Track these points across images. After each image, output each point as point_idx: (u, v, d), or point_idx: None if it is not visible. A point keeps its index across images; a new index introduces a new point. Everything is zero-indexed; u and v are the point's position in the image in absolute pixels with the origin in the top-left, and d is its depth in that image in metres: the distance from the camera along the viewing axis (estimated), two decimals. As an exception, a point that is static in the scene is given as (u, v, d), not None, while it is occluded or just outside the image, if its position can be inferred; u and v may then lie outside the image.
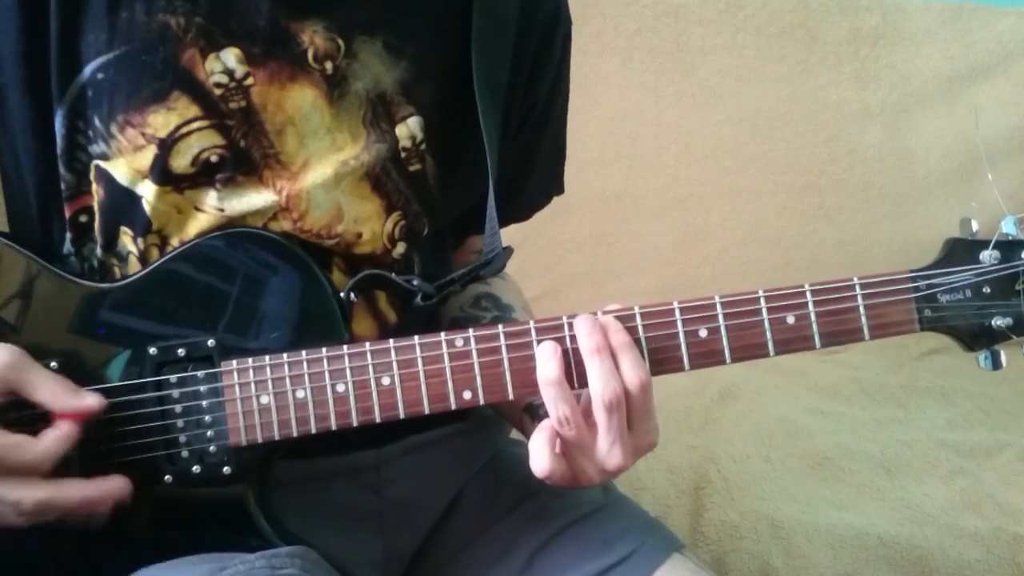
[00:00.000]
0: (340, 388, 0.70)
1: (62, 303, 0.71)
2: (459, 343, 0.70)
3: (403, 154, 0.79)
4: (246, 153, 0.74)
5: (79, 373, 0.69)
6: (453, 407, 0.71)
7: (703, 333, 0.71)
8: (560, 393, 0.68)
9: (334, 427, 0.70)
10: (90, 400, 0.67)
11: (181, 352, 0.70)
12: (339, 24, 0.75)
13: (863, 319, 0.72)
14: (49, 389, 0.66)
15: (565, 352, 0.70)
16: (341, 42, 0.75)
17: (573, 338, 0.70)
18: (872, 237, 1.96)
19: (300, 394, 0.70)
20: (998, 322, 0.73)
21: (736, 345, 0.71)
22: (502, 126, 0.85)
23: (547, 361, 0.69)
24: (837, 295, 0.72)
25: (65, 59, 0.72)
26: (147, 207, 0.73)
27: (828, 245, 1.93)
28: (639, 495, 1.25)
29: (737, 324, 0.71)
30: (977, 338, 0.74)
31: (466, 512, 0.88)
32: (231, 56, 0.73)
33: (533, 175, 0.95)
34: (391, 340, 0.70)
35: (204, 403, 0.70)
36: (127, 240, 0.75)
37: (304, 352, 0.70)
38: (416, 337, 0.71)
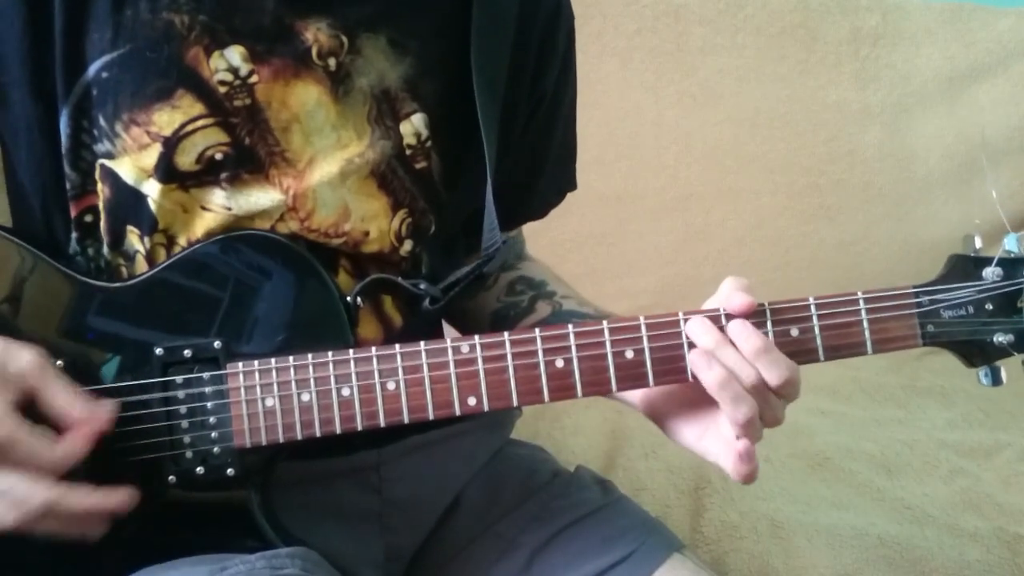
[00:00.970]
0: (345, 392, 0.70)
1: (69, 301, 0.72)
2: (464, 349, 0.71)
3: (408, 151, 0.79)
4: (251, 151, 0.74)
5: (84, 372, 0.69)
6: (457, 413, 0.71)
7: None
8: (736, 392, 0.69)
9: (339, 431, 0.70)
10: (103, 412, 0.67)
11: (187, 353, 0.70)
12: (342, 21, 0.75)
13: (866, 333, 0.73)
14: (68, 397, 0.66)
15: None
16: (345, 39, 0.75)
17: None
18: (872, 237, 1.96)
19: (305, 397, 0.70)
20: (999, 338, 0.74)
21: None
22: (507, 122, 0.85)
23: (705, 332, 0.70)
24: (841, 309, 0.73)
25: (70, 58, 0.72)
26: (153, 206, 0.73)
27: (828, 245, 1.93)
28: (639, 495, 1.25)
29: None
30: (978, 354, 0.75)
31: (467, 512, 0.88)
32: (235, 54, 0.73)
33: (546, 171, 0.95)
34: (397, 345, 0.71)
35: (209, 405, 0.70)
36: (134, 239, 0.75)
37: (310, 356, 0.70)
38: (422, 343, 0.71)
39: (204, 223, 0.74)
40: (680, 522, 1.23)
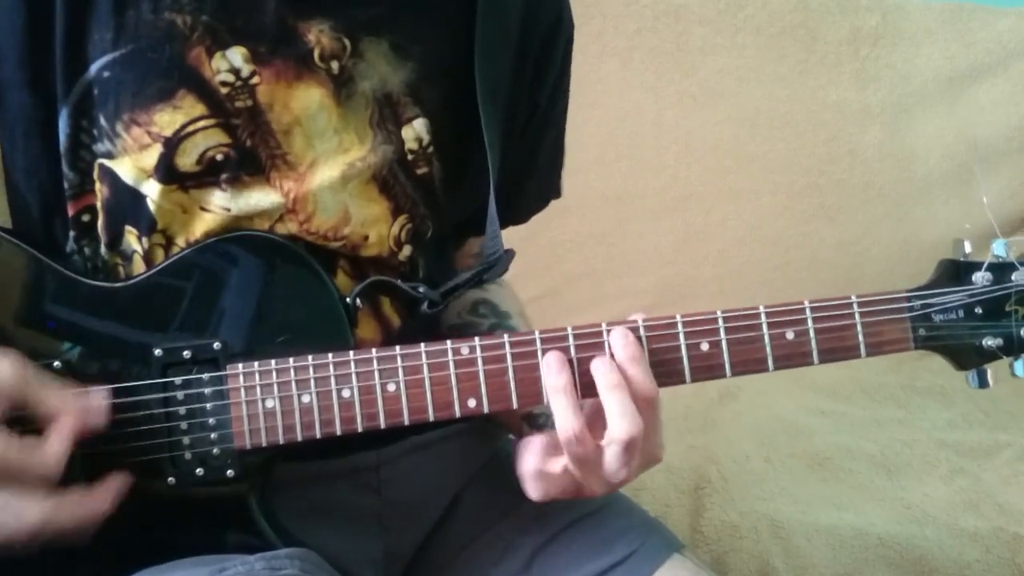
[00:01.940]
0: (346, 394, 0.70)
1: (66, 301, 0.71)
2: (465, 351, 0.71)
3: (410, 156, 0.79)
4: (252, 153, 0.74)
5: (82, 373, 0.69)
6: (458, 415, 0.71)
7: (705, 347, 0.72)
8: (569, 405, 0.68)
9: (339, 432, 0.70)
10: (96, 403, 0.66)
11: (187, 354, 0.70)
12: (345, 24, 0.75)
13: (860, 336, 0.74)
14: (57, 399, 0.65)
15: (571, 362, 0.70)
16: (347, 42, 0.75)
17: (579, 348, 0.71)
18: (872, 237, 1.96)
19: (305, 399, 0.70)
20: (988, 342, 0.75)
21: (737, 359, 0.73)
22: (505, 129, 0.85)
23: (555, 372, 0.69)
24: (835, 312, 0.73)
25: (71, 57, 0.71)
26: (152, 206, 0.73)
27: (828, 245, 1.93)
28: (639, 495, 1.25)
29: (738, 338, 0.73)
30: (968, 357, 0.76)
31: (466, 512, 0.88)
32: (237, 55, 0.73)
33: (533, 178, 0.95)
34: (397, 347, 0.71)
35: (209, 406, 0.70)
36: (132, 239, 0.74)
37: (310, 357, 0.70)
38: (422, 344, 0.71)
39: (203, 224, 0.74)
40: (680, 522, 1.24)
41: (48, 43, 0.71)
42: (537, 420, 0.80)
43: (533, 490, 0.72)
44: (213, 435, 0.70)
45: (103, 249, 0.75)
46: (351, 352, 0.70)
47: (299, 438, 0.70)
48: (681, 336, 0.72)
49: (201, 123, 0.72)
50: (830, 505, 1.29)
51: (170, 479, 0.70)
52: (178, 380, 0.70)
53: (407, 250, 0.81)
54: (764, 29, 1.90)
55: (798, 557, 1.18)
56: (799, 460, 1.40)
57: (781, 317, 0.73)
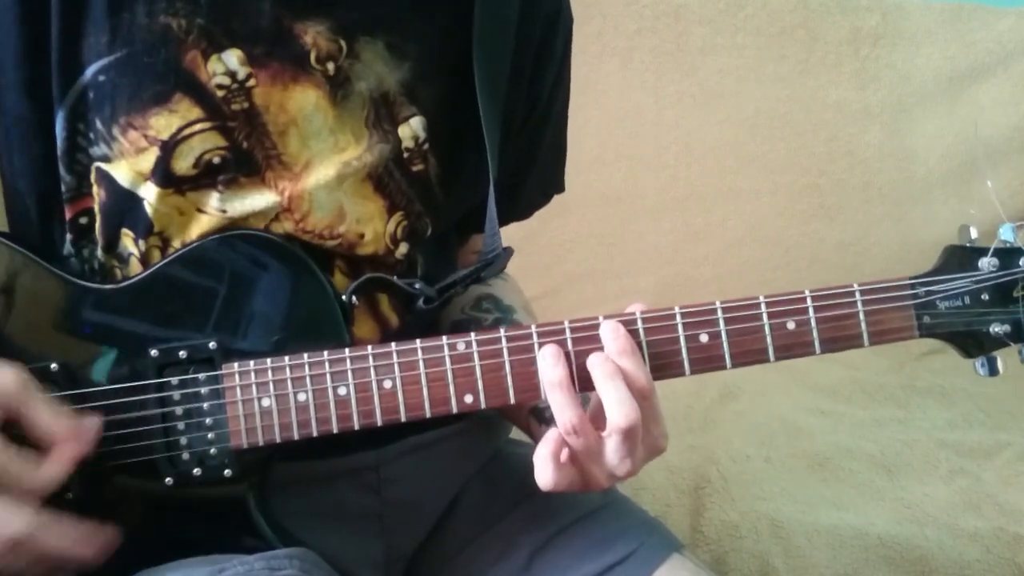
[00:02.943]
0: (342, 391, 0.70)
1: (62, 303, 0.71)
2: (461, 347, 0.70)
3: (406, 154, 0.79)
4: (248, 155, 0.74)
5: (79, 375, 0.69)
6: (455, 411, 0.70)
7: (704, 338, 0.71)
8: (567, 398, 0.68)
9: (335, 430, 0.70)
10: (88, 431, 0.66)
11: (182, 354, 0.70)
12: (341, 25, 0.75)
13: (863, 325, 0.72)
14: (51, 419, 0.65)
15: (567, 355, 0.70)
16: (343, 43, 0.75)
17: (576, 341, 0.70)
18: (872, 237, 1.96)
19: (302, 397, 0.70)
20: (996, 329, 0.73)
21: (737, 350, 0.71)
22: (504, 125, 0.85)
23: (551, 365, 0.69)
24: (837, 301, 0.72)
25: (66, 61, 0.71)
26: (149, 209, 0.73)
27: (828, 245, 1.93)
28: (639, 495, 1.25)
29: (738, 329, 0.71)
30: (975, 344, 0.74)
31: (466, 512, 0.88)
32: (233, 57, 0.73)
33: (533, 173, 0.95)
34: (393, 343, 0.70)
35: (205, 405, 0.70)
36: (128, 242, 0.74)
37: (306, 355, 0.70)
38: (418, 340, 0.70)
39: (199, 226, 0.74)
40: (680, 522, 1.23)
41: (44, 46, 0.71)
42: (544, 414, 0.80)
43: (540, 479, 0.71)
44: (210, 435, 0.70)
45: (100, 252, 0.75)
46: (347, 350, 0.70)
47: (296, 436, 0.70)
48: (680, 328, 0.71)
49: (197, 126, 0.72)
50: (830, 505, 1.29)
51: (168, 479, 0.70)
52: (174, 380, 0.70)
53: (403, 248, 0.81)
54: (764, 29, 1.90)
55: (798, 557, 1.18)
56: (799, 460, 1.39)
57: (782, 307, 0.72)
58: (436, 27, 0.79)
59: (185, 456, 0.70)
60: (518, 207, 0.97)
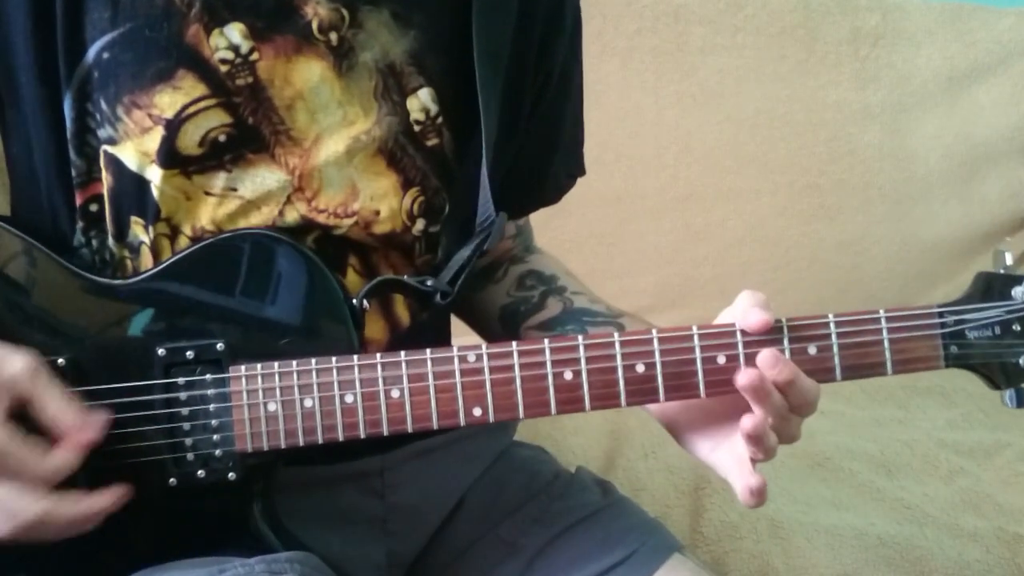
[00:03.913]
0: (348, 399, 0.69)
1: (71, 298, 0.71)
2: (471, 358, 0.69)
3: (417, 128, 0.78)
4: (255, 130, 0.73)
5: (86, 371, 0.69)
6: (462, 423, 0.69)
7: (721, 360, 0.70)
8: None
9: (341, 438, 0.69)
10: (96, 421, 0.66)
11: (190, 354, 0.70)
12: None
13: (887, 353, 0.70)
14: (60, 405, 0.65)
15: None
16: (345, 12, 0.74)
17: (589, 360, 0.70)
18: (872, 237, 1.96)
19: (308, 403, 0.69)
20: None
21: None
22: (512, 99, 0.83)
23: (771, 365, 0.68)
24: (861, 327, 0.70)
25: (71, 40, 0.71)
26: (155, 192, 0.72)
27: (828, 245, 1.93)
28: (639, 495, 1.25)
29: (755, 353, 0.68)
30: (1004, 376, 0.71)
31: (469, 515, 0.88)
32: (235, 31, 0.72)
33: (558, 155, 0.93)
34: (402, 352, 0.69)
35: (211, 407, 0.69)
36: (138, 230, 0.74)
37: (314, 360, 0.69)
38: (428, 351, 0.69)
39: (208, 210, 0.73)
40: (680, 522, 1.23)
41: (51, 25, 0.71)
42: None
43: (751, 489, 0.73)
44: (215, 437, 0.69)
45: (111, 241, 0.74)
46: (355, 357, 0.69)
47: (301, 443, 0.69)
48: (697, 349, 0.69)
49: (202, 103, 0.72)
50: (830, 505, 1.29)
51: (172, 480, 0.70)
52: (181, 380, 0.70)
53: (420, 224, 0.79)
54: (764, 29, 1.90)
55: (798, 557, 1.18)
56: (799, 460, 1.40)
57: (803, 332, 0.69)
58: None
59: (190, 457, 0.70)
60: (546, 191, 0.96)
